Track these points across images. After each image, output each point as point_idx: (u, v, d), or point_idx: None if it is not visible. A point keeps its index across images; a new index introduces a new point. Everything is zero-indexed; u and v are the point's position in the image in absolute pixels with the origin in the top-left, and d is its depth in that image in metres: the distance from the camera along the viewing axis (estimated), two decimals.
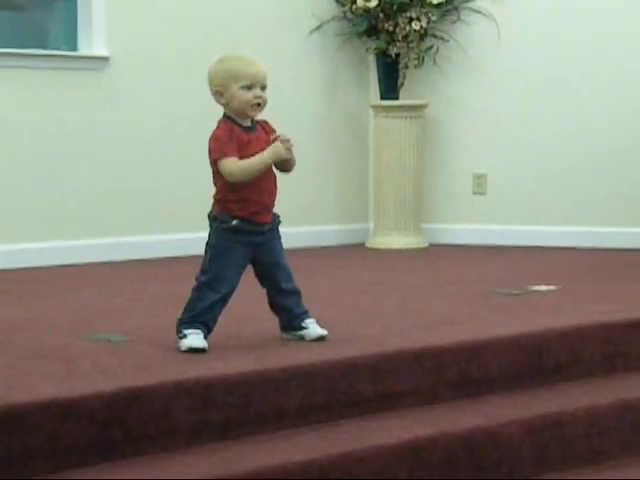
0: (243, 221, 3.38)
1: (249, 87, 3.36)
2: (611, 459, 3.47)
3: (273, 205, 3.46)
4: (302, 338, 3.53)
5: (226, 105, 3.41)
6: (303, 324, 3.53)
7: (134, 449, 2.89)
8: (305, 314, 3.55)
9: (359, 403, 3.29)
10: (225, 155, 3.34)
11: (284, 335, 3.57)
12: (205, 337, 3.39)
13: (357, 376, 3.30)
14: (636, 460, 3.49)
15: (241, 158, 3.36)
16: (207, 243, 3.44)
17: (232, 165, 3.33)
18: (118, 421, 2.87)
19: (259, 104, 3.38)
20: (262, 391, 3.12)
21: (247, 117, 3.41)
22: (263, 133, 3.45)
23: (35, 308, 4.30)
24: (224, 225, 3.39)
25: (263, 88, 3.39)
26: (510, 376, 3.61)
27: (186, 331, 3.39)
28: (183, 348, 3.37)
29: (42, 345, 3.52)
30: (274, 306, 3.55)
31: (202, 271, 3.42)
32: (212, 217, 3.44)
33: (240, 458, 2.90)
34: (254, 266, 3.49)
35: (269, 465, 2.86)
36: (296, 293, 3.54)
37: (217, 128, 3.40)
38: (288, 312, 3.53)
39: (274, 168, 3.45)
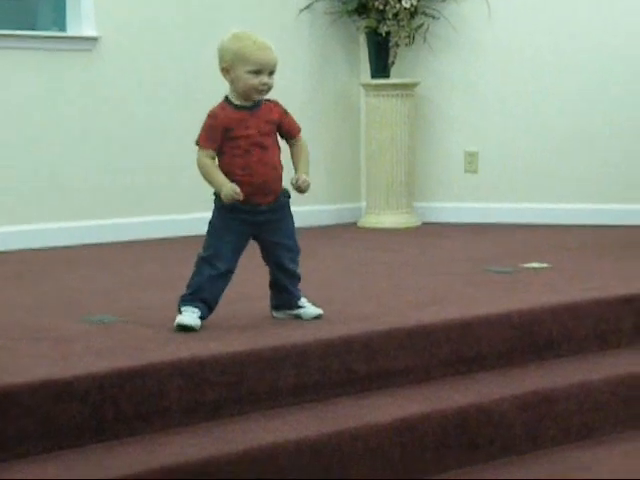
0: (239, 201, 3.39)
1: (256, 72, 3.37)
2: (604, 434, 3.49)
3: (273, 187, 3.45)
4: (298, 317, 3.55)
5: (231, 83, 3.42)
6: (299, 303, 3.55)
7: (127, 429, 2.90)
8: (300, 292, 3.57)
9: (352, 381, 3.30)
10: (199, 143, 3.40)
11: (276, 314, 3.58)
12: (202, 317, 3.40)
13: (350, 355, 3.30)
14: (629, 435, 3.51)
15: (233, 137, 3.37)
16: (210, 220, 3.47)
17: (200, 159, 3.39)
18: (111, 402, 2.88)
19: (263, 90, 3.40)
20: (256, 370, 3.13)
21: (250, 100, 3.42)
22: (268, 112, 3.44)
23: (27, 290, 4.30)
24: (221, 203, 3.40)
25: (271, 73, 3.41)
26: (502, 353, 3.62)
27: (183, 308, 3.41)
28: (174, 324, 3.38)
29: (34, 326, 3.52)
30: (275, 284, 3.55)
31: (203, 247, 3.46)
32: (214, 193, 3.45)
33: (234, 437, 2.90)
34: (258, 244, 3.50)
35: (263, 444, 2.87)
36: (296, 277, 3.55)
37: (209, 112, 3.42)
38: (287, 292, 3.55)
39: (275, 153, 3.45)
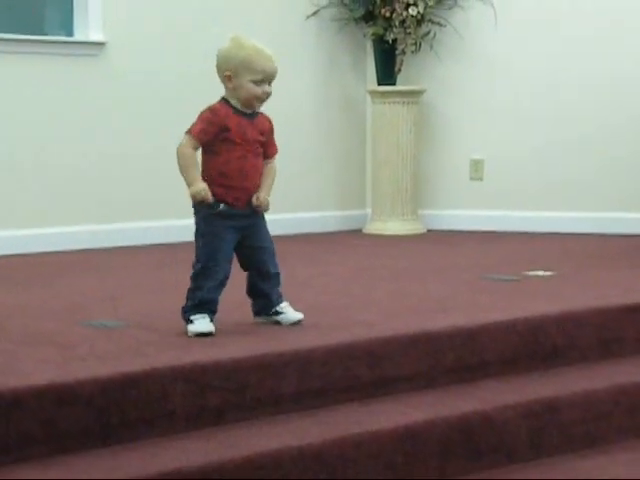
0: (227, 205, 3.40)
1: (260, 81, 3.38)
2: (607, 443, 3.48)
3: (254, 191, 3.45)
4: (278, 323, 3.55)
5: (232, 90, 3.42)
6: (278, 309, 3.55)
7: (131, 434, 2.90)
8: (280, 298, 3.57)
9: (355, 388, 3.30)
10: (191, 132, 3.38)
11: (258, 319, 3.58)
12: (211, 320, 3.42)
13: (353, 361, 3.30)
14: (632, 443, 3.50)
15: (229, 139, 3.37)
16: (196, 231, 3.45)
17: (183, 147, 3.38)
18: (114, 406, 2.88)
19: (264, 99, 3.42)
20: (258, 376, 3.13)
21: (251, 108, 3.43)
22: (262, 124, 3.47)
23: (31, 294, 4.30)
24: (211, 211, 3.40)
25: (270, 82, 3.42)
26: (506, 361, 3.61)
27: (192, 317, 3.42)
28: (190, 334, 3.39)
29: (38, 331, 3.53)
30: (253, 289, 3.55)
31: (197, 259, 3.44)
32: (198, 204, 3.42)
33: (237, 443, 2.90)
34: (239, 250, 3.48)
35: (266, 450, 2.87)
36: (277, 278, 3.54)
37: (209, 107, 3.42)
38: (266, 297, 3.54)
39: (260, 162, 3.46)
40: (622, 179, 6.39)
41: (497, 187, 6.62)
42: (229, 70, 3.40)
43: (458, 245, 5.97)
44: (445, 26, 6.57)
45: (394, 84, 6.54)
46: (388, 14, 6.37)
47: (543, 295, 4.17)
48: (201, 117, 3.40)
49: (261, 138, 3.44)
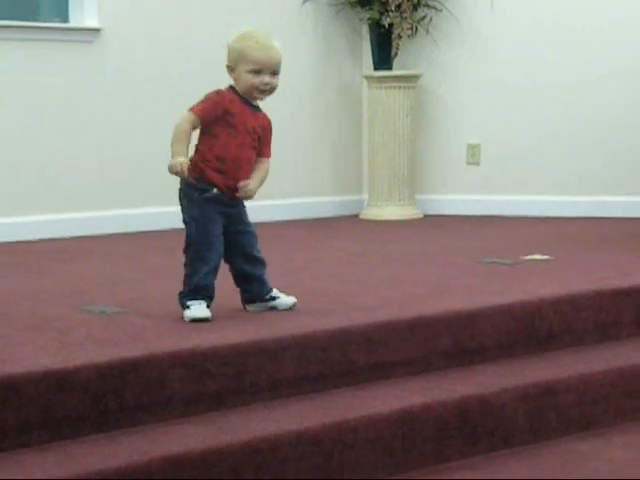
0: (220, 192, 3.42)
1: (257, 71, 3.39)
2: (604, 426, 3.50)
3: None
4: (274, 308, 3.55)
5: (234, 81, 3.45)
6: (272, 294, 3.56)
7: (129, 420, 2.91)
8: (269, 284, 3.57)
9: (353, 372, 3.31)
10: (193, 109, 3.39)
11: (250, 307, 3.57)
12: (208, 306, 3.43)
13: (351, 346, 3.31)
14: (628, 426, 3.52)
15: (232, 125, 3.39)
16: (187, 216, 3.45)
17: (183, 122, 3.38)
18: (113, 392, 2.88)
19: (265, 90, 3.42)
20: (257, 361, 3.13)
21: (252, 99, 3.45)
22: (262, 120, 3.48)
23: (29, 280, 4.31)
24: (204, 195, 3.41)
25: (274, 74, 3.42)
26: (503, 345, 3.62)
27: (189, 302, 3.43)
28: (187, 319, 3.40)
29: (36, 317, 3.53)
30: (244, 276, 3.53)
31: (188, 245, 3.44)
32: (190, 186, 3.43)
33: (235, 428, 2.91)
34: (225, 237, 3.47)
35: (264, 434, 2.88)
36: (264, 263, 3.55)
37: (216, 89, 3.43)
38: (260, 281, 3.54)
39: (254, 156, 3.47)
40: (619, 162, 6.40)
41: (494, 171, 6.62)
42: (229, 61, 3.45)
43: (455, 230, 5.97)
44: (441, 10, 6.56)
45: (390, 69, 6.53)
46: None
47: (540, 279, 4.18)
48: (206, 97, 3.42)
49: (260, 132, 3.46)
